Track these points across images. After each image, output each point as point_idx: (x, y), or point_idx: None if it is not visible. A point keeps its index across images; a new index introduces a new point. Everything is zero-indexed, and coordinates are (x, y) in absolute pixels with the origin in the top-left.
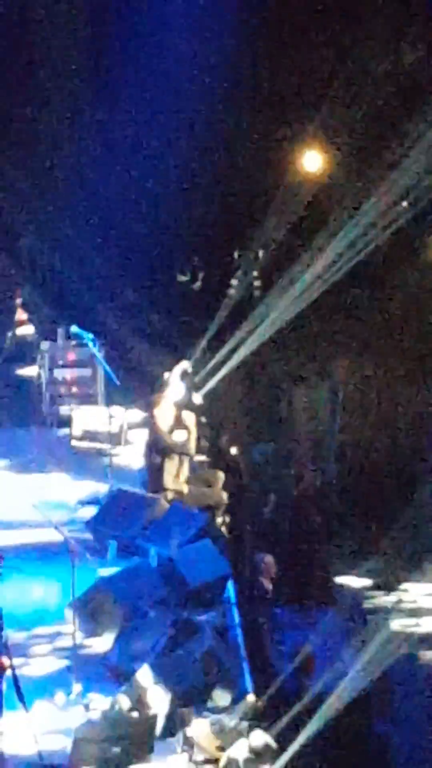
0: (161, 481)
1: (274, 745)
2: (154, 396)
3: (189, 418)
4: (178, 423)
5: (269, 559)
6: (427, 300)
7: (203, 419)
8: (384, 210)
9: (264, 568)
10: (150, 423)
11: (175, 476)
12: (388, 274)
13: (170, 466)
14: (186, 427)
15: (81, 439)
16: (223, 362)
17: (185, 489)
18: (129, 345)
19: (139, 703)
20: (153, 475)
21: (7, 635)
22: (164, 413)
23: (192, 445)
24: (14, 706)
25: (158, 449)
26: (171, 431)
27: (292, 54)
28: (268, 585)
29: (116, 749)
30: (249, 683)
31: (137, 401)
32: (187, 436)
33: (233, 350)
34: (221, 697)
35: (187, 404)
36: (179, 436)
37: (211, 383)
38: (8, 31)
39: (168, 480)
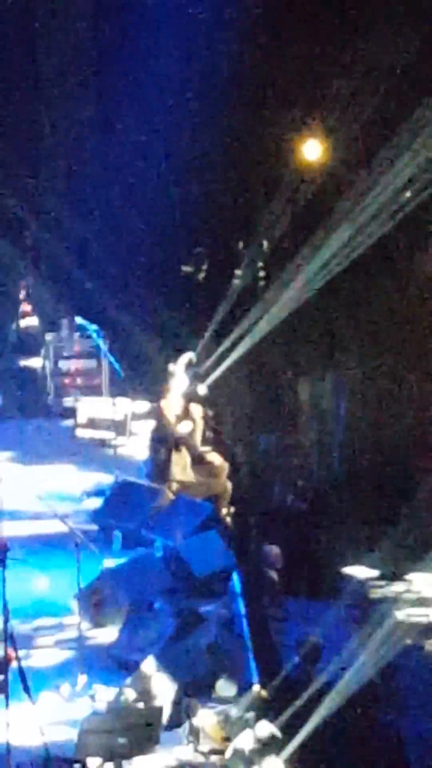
0: (168, 472)
1: (279, 735)
2: (161, 387)
3: (195, 410)
4: (185, 414)
5: (275, 550)
6: None
7: (209, 411)
8: (390, 199)
9: (270, 559)
10: (157, 414)
11: (183, 468)
12: (394, 264)
13: (177, 457)
14: (192, 419)
15: (85, 427)
16: (227, 353)
17: (190, 480)
18: (133, 336)
19: (144, 693)
20: (160, 466)
21: (12, 626)
22: (171, 404)
23: (198, 437)
24: (20, 698)
25: (165, 441)
26: (178, 422)
27: (297, 42)
28: (274, 576)
29: (122, 740)
30: (254, 674)
31: (142, 392)
32: (193, 427)
33: (238, 341)
34: (227, 687)
35: (191, 395)
36: (185, 427)
37: (216, 374)
38: (12, 25)
39: (176, 471)
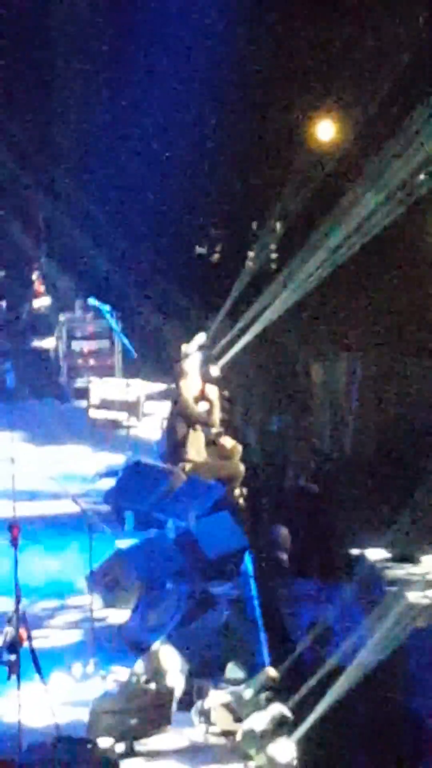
0: (184, 452)
1: (291, 716)
2: (180, 367)
3: (212, 391)
4: (202, 395)
5: (284, 531)
6: None
7: (225, 392)
8: (404, 182)
9: (280, 540)
10: (176, 394)
11: (198, 449)
12: (408, 246)
13: (193, 438)
14: (209, 400)
15: (98, 408)
16: (240, 335)
17: (204, 461)
18: (146, 317)
19: (156, 674)
20: (175, 446)
21: (24, 607)
22: (190, 384)
23: (215, 418)
24: (31, 678)
25: (184, 420)
26: (195, 403)
27: (312, 24)
28: (284, 557)
29: (133, 721)
30: (266, 655)
31: (155, 373)
32: (210, 408)
33: (251, 323)
34: (238, 669)
35: (205, 376)
36: (202, 407)
37: (229, 356)
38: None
39: (191, 452)
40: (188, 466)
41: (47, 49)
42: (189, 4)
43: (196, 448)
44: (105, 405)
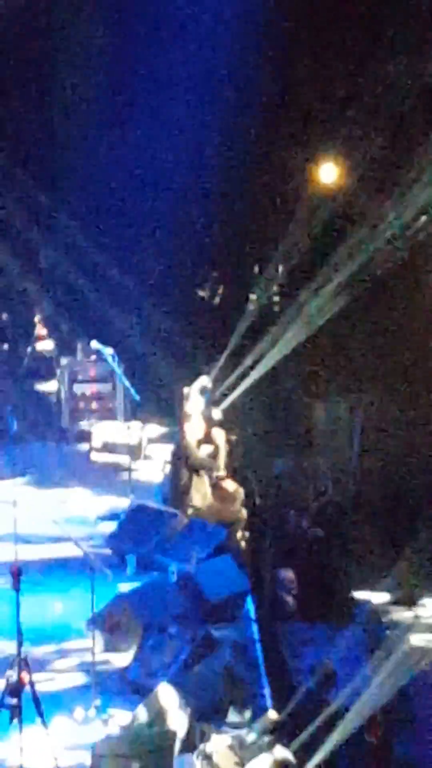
0: (189, 498)
1: (293, 760)
2: (183, 410)
3: (218, 434)
4: (207, 438)
5: (289, 574)
6: None
7: (232, 436)
8: (405, 225)
9: (284, 583)
10: (179, 438)
11: (203, 495)
12: (410, 288)
13: (198, 483)
14: (215, 444)
15: (100, 451)
16: (242, 377)
17: (208, 506)
18: (149, 360)
19: (158, 718)
20: (179, 491)
21: (26, 650)
22: (193, 428)
23: (221, 463)
24: (33, 722)
25: (186, 466)
26: (198, 447)
27: (313, 68)
28: (290, 600)
29: (135, 765)
30: (268, 699)
31: (157, 416)
32: (213, 451)
33: (253, 365)
34: (241, 712)
35: (209, 420)
36: (205, 450)
37: (231, 399)
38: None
39: (196, 498)
40: (190, 510)
41: (50, 84)
42: (188, 44)
43: (201, 494)
44: (107, 448)
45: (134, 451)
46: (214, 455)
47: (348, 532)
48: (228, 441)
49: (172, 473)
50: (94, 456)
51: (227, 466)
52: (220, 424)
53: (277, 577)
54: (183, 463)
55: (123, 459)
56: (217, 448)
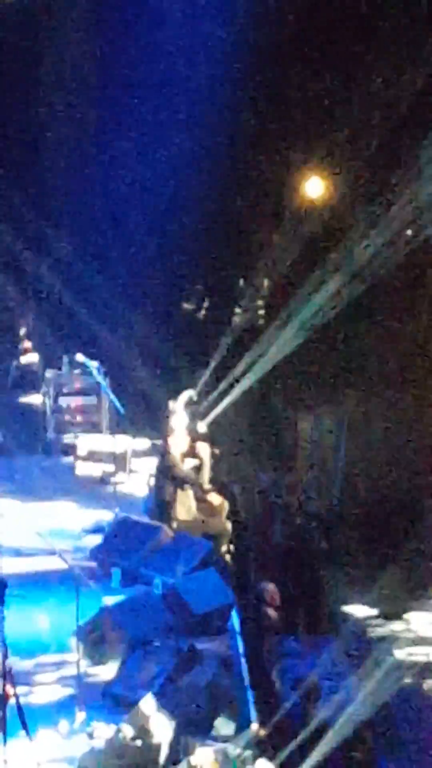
0: (173, 512)
1: None
2: (163, 425)
3: (203, 448)
4: (191, 452)
5: (271, 587)
6: None
7: (216, 450)
8: (391, 238)
9: (267, 596)
10: (163, 451)
11: (188, 509)
12: (395, 302)
13: (183, 497)
14: (199, 458)
15: (85, 460)
16: (227, 391)
17: (193, 519)
18: (134, 374)
19: (142, 731)
20: (163, 506)
21: (11, 663)
22: (178, 442)
23: (205, 477)
24: (18, 735)
25: (171, 479)
26: (182, 460)
27: (299, 79)
28: (273, 613)
29: None
30: (253, 712)
31: (142, 429)
32: (198, 464)
33: (238, 379)
34: (225, 725)
35: (194, 433)
36: (189, 464)
37: (216, 412)
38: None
39: (180, 512)
40: (175, 523)
41: (28, 107)
42: (178, 55)
43: (186, 507)
44: (92, 457)
45: (120, 461)
46: (198, 469)
47: (333, 546)
48: (213, 455)
49: (156, 487)
50: (80, 467)
51: (212, 479)
52: (205, 437)
53: (259, 590)
54: (167, 476)
55: (108, 468)
56: (201, 461)
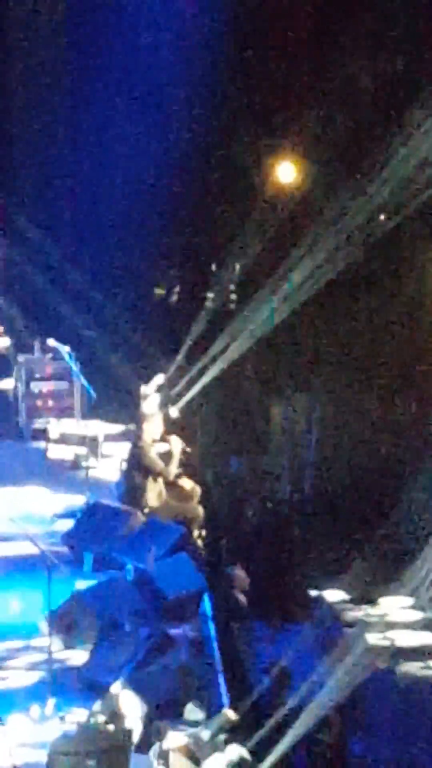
0: (143, 499)
1: (249, 758)
2: (140, 410)
3: (175, 442)
4: (162, 438)
5: (239, 572)
6: (405, 315)
7: (190, 434)
8: (362, 223)
9: (236, 581)
10: (135, 437)
11: (158, 495)
12: (365, 287)
13: (153, 485)
14: (169, 443)
15: (57, 443)
16: (199, 376)
17: (163, 503)
18: (106, 358)
19: (114, 716)
20: (133, 492)
21: None
22: (151, 428)
23: (173, 469)
24: None
25: (140, 467)
26: (153, 444)
27: (272, 69)
28: (242, 598)
29: (92, 762)
30: (225, 696)
31: (114, 414)
32: (168, 451)
33: (210, 364)
34: (196, 710)
35: (166, 419)
36: (159, 448)
37: (187, 397)
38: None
39: (150, 498)
40: (147, 508)
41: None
42: (140, 43)
43: (155, 493)
44: (64, 440)
45: (91, 446)
46: (168, 455)
47: (304, 530)
48: (184, 440)
49: (127, 472)
50: (51, 450)
51: (183, 463)
52: (177, 422)
53: (229, 575)
54: (136, 463)
55: (81, 451)
56: (171, 448)
